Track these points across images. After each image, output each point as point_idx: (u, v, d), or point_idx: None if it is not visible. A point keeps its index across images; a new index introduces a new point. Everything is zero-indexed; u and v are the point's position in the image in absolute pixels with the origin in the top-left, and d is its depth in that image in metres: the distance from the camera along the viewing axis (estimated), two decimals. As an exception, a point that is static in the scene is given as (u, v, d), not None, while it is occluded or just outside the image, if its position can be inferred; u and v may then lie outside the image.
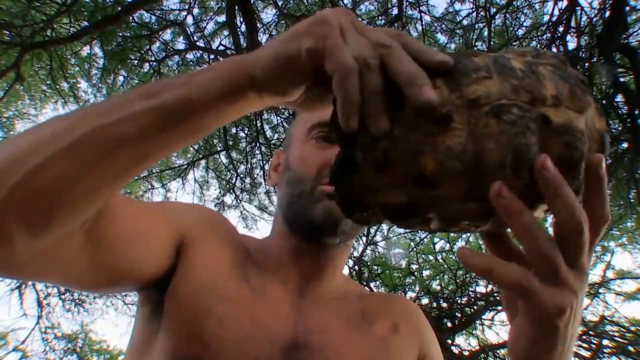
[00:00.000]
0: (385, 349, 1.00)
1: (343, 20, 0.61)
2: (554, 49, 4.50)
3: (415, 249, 6.90)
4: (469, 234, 0.81)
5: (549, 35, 4.57)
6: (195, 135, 0.69)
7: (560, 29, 4.46)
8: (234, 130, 6.32)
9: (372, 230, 6.56)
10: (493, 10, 4.80)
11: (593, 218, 0.57)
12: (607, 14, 4.08)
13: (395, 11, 4.98)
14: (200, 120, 0.66)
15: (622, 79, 4.40)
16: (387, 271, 6.56)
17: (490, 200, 0.54)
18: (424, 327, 1.13)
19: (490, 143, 0.53)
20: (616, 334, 5.94)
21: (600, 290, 6.21)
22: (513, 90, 0.55)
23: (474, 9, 4.80)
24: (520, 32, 4.98)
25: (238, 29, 5.26)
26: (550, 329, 0.58)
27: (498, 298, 6.30)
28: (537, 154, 0.54)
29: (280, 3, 5.35)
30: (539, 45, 4.67)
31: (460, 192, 0.56)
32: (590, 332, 5.94)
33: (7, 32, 5.31)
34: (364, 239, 6.41)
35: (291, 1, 5.48)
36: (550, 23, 4.55)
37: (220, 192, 7.00)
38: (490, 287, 6.51)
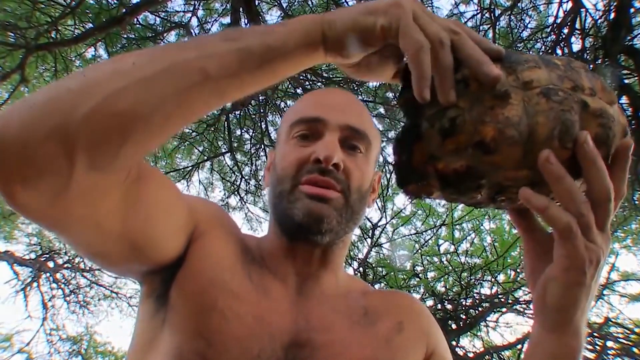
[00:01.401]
0: (389, 348, 1.00)
1: (415, 7, 0.69)
2: (559, 51, 4.50)
3: (419, 251, 6.90)
4: (502, 211, 0.84)
5: (554, 37, 4.57)
6: (269, 80, 0.74)
7: (565, 30, 4.46)
8: (238, 132, 6.33)
9: (377, 232, 6.56)
10: (498, 12, 4.80)
11: (615, 193, 0.68)
12: (612, 15, 4.08)
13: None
14: (276, 66, 0.72)
15: (626, 81, 4.39)
16: (392, 273, 6.56)
17: (538, 169, 0.64)
18: (430, 324, 1.12)
19: (541, 117, 0.64)
20: (621, 335, 5.93)
21: (605, 292, 6.19)
22: (558, 78, 0.67)
23: (478, 11, 4.79)
24: (525, 33, 4.98)
25: (242, 31, 5.26)
26: (580, 277, 0.67)
27: (502, 300, 6.30)
28: (579, 131, 0.65)
29: (284, 5, 5.35)
30: (543, 47, 4.67)
31: (514, 159, 0.65)
32: (595, 334, 5.93)
33: (12, 34, 5.31)
34: (369, 240, 6.41)
35: (295, 3, 5.49)
36: (554, 25, 4.55)
37: (225, 194, 7.01)
38: (495, 289, 6.50)
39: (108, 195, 0.70)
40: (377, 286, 6.49)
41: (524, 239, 0.79)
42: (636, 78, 4.38)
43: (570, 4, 4.37)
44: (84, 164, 0.62)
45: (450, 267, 6.77)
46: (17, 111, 0.62)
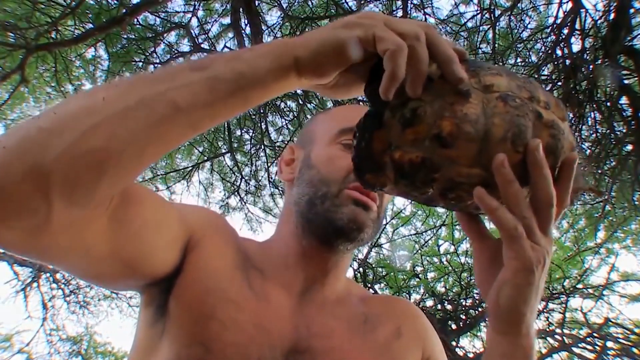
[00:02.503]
0: (389, 354, 1.01)
1: (383, 16, 0.73)
2: (559, 51, 4.50)
3: (419, 251, 6.90)
4: (455, 211, 0.85)
5: (554, 37, 4.57)
6: (243, 107, 0.75)
7: (565, 31, 4.45)
8: (238, 133, 6.33)
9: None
10: (497, 12, 4.79)
11: (559, 201, 0.73)
12: (612, 16, 4.07)
13: (399, 13, 4.97)
14: (248, 93, 0.72)
15: (626, 81, 4.39)
16: (392, 273, 6.56)
17: (490, 171, 0.69)
18: (426, 329, 1.13)
19: (497, 119, 0.69)
20: (620, 336, 5.93)
21: (605, 292, 6.20)
22: (517, 87, 0.72)
23: (478, 11, 4.79)
24: (525, 34, 4.98)
25: (243, 31, 5.27)
26: (530, 277, 0.71)
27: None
28: (532, 137, 0.70)
29: (284, 5, 5.35)
30: (543, 47, 4.67)
31: (469, 156, 0.69)
32: (595, 334, 5.94)
33: (12, 34, 5.31)
34: (369, 241, 6.40)
35: (296, 3, 5.48)
36: (554, 25, 4.55)
37: (225, 194, 7.01)
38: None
39: (92, 225, 0.70)
40: (377, 286, 6.50)
41: (474, 245, 0.83)
42: (636, 78, 4.38)
43: (570, 4, 4.36)
44: (62, 202, 0.62)
45: (450, 268, 6.78)
46: None
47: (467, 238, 6.99)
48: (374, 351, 0.99)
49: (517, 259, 0.71)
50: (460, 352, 6.24)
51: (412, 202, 0.80)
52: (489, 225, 0.80)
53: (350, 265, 6.67)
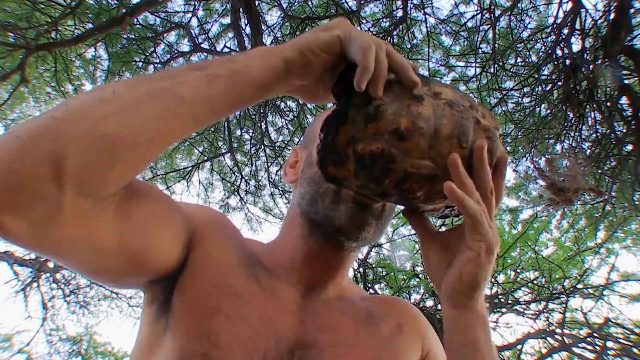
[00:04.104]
0: (392, 349, 1.02)
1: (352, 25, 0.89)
2: (559, 51, 4.50)
3: (419, 251, 6.89)
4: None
5: (554, 37, 4.57)
6: (238, 104, 0.83)
7: (565, 31, 4.46)
8: (238, 133, 6.33)
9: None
10: (498, 12, 4.79)
11: (495, 192, 0.88)
12: (612, 16, 4.08)
13: (399, 13, 4.97)
14: (242, 90, 0.81)
15: (626, 81, 4.40)
16: (392, 273, 6.56)
17: (438, 164, 0.83)
18: (425, 327, 1.14)
19: (445, 120, 0.83)
20: (620, 336, 5.93)
21: (605, 292, 6.20)
22: (460, 97, 0.87)
23: (478, 11, 4.79)
24: (525, 34, 4.98)
25: (243, 31, 5.27)
26: (491, 256, 0.85)
27: (502, 300, 6.30)
28: (473, 137, 0.84)
29: (284, 5, 5.35)
30: (543, 47, 4.67)
31: (421, 149, 0.82)
32: (595, 334, 5.94)
33: (12, 34, 5.31)
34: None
35: (296, 3, 5.48)
36: (554, 25, 4.55)
37: (225, 194, 7.01)
38: (495, 289, 6.50)
39: (100, 218, 0.72)
40: (377, 286, 6.50)
41: (422, 239, 0.97)
42: (636, 78, 4.39)
43: (570, 4, 4.37)
44: (73, 191, 0.64)
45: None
46: (4, 141, 0.64)
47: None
48: (379, 345, 1.00)
49: (483, 241, 0.84)
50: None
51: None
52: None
53: (351, 265, 6.65)
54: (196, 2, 5.64)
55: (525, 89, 5.03)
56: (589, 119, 4.74)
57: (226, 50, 5.60)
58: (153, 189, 0.93)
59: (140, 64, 5.78)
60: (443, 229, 1.00)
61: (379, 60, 0.82)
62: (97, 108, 0.67)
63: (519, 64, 5.14)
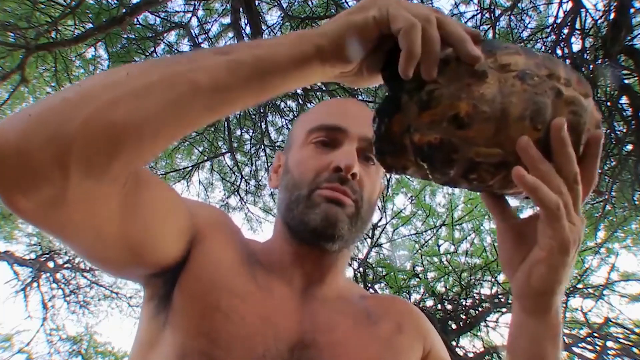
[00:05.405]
0: (392, 348, 1.01)
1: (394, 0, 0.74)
2: (559, 51, 4.50)
3: (419, 251, 6.90)
4: (477, 192, 0.85)
5: (554, 37, 4.57)
6: (260, 95, 0.75)
7: (565, 30, 4.46)
8: (238, 132, 6.33)
9: (377, 233, 6.56)
10: (498, 12, 4.79)
11: (585, 180, 0.73)
12: (612, 15, 4.07)
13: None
14: (267, 79, 0.72)
15: (626, 81, 4.39)
16: (392, 273, 6.56)
17: (509, 150, 0.69)
18: (425, 325, 1.14)
19: (515, 98, 0.69)
20: (621, 335, 5.93)
21: (605, 292, 6.19)
22: (536, 65, 0.71)
23: (478, 11, 4.79)
24: (525, 33, 4.97)
25: (242, 31, 5.27)
26: (565, 258, 0.71)
27: (502, 300, 6.29)
28: (552, 115, 0.69)
29: (284, 5, 5.35)
30: (543, 48, 4.67)
31: (486, 136, 0.69)
32: (595, 334, 5.94)
33: (12, 34, 5.31)
34: (369, 240, 6.41)
35: (296, 3, 5.48)
36: (554, 25, 4.55)
37: (225, 194, 7.01)
38: (495, 289, 6.50)
39: (106, 203, 0.71)
40: (377, 286, 6.50)
41: (498, 225, 0.83)
42: (636, 78, 4.39)
43: (570, 4, 4.37)
44: (79, 173, 0.63)
45: (450, 267, 6.77)
46: (14, 121, 0.64)
47: (468, 237, 7.00)
48: (378, 344, 1.00)
49: (555, 239, 0.70)
50: (460, 352, 6.24)
51: (437, 184, 0.81)
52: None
53: (350, 265, 6.69)
54: (196, 2, 5.64)
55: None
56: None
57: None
58: (162, 182, 0.93)
59: (140, 64, 5.75)
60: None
61: (427, 38, 0.69)
62: (107, 92, 0.65)
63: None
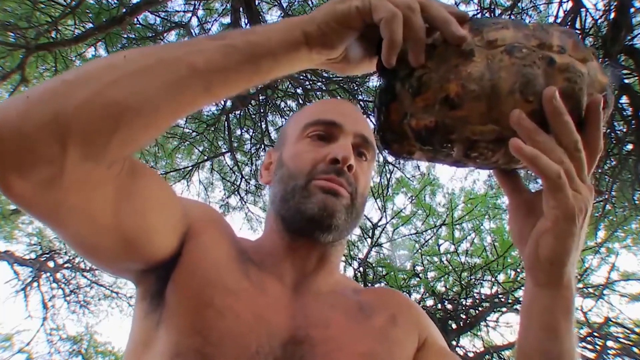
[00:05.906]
0: (386, 341, 1.01)
1: None
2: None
3: (419, 251, 6.91)
4: (484, 170, 0.85)
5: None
6: (254, 77, 0.79)
7: (565, 30, 4.45)
8: (238, 132, 6.33)
9: (377, 232, 6.56)
10: (498, 12, 4.79)
11: (590, 148, 0.72)
12: (612, 15, 4.08)
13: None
14: (260, 62, 0.76)
15: (626, 81, 4.40)
16: (392, 273, 6.56)
17: (504, 125, 0.69)
18: (419, 315, 1.13)
19: (504, 73, 0.69)
20: (621, 335, 5.93)
21: (605, 292, 6.20)
22: (524, 37, 0.71)
23: (478, 11, 4.79)
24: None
25: (242, 31, 5.26)
26: (571, 227, 0.70)
27: (502, 300, 6.30)
28: (544, 85, 0.68)
29: (284, 5, 5.35)
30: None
31: (479, 113, 0.70)
32: (595, 334, 5.94)
33: (12, 34, 5.31)
34: (369, 240, 6.41)
35: (296, 3, 5.49)
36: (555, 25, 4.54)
37: (225, 194, 7.01)
38: (495, 288, 6.51)
39: (101, 188, 0.72)
40: (377, 286, 6.50)
41: (510, 199, 0.83)
42: (636, 78, 4.39)
43: (570, 4, 4.37)
44: (77, 153, 0.65)
45: (450, 267, 6.78)
46: (15, 102, 0.65)
47: (468, 237, 6.99)
48: (372, 338, 0.99)
49: (559, 208, 0.70)
50: (460, 352, 6.24)
51: (445, 165, 0.84)
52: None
53: (350, 265, 6.70)
54: (196, 2, 5.65)
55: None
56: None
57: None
58: (157, 176, 0.94)
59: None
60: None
61: (410, 24, 0.72)
62: (106, 73, 0.67)
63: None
